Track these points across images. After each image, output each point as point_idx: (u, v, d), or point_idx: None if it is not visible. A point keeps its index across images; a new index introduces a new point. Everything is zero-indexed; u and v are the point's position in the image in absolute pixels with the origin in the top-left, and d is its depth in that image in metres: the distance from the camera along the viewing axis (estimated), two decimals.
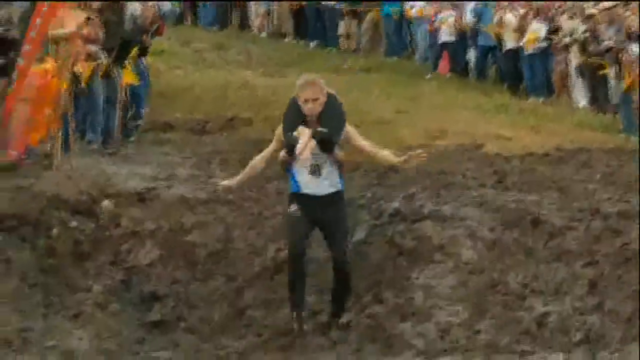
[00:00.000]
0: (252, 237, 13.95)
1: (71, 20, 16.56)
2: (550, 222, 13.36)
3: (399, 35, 31.78)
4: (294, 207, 11.85)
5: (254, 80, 24.06)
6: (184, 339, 12.49)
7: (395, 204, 13.79)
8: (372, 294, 12.61)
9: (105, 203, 14.59)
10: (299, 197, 11.86)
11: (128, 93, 18.71)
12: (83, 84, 17.28)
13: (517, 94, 25.09)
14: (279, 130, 11.93)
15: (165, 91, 21.23)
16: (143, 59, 20.00)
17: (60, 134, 16.13)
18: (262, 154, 12.21)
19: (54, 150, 16.05)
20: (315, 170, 11.71)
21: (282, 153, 11.85)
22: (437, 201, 14.23)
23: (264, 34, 36.50)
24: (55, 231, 14.00)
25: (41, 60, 15.77)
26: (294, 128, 11.69)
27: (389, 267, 13.08)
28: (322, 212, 11.77)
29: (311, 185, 11.77)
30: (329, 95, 11.77)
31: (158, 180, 15.81)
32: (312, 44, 34.36)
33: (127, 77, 18.58)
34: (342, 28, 33.30)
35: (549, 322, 11.71)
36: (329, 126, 11.58)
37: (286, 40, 35.27)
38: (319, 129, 11.57)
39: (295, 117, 11.76)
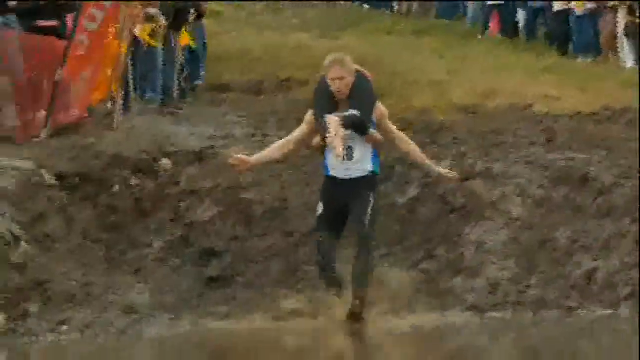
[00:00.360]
0: (307, 195, 13.90)
1: None
2: (598, 179, 13.35)
3: None
4: (320, 209, 11.53)
5: (309, 42, 23.95)
6: (241, 294, 12.66)
7: (447, 163, 13.72)
8: (424, 250, 12.70)
9: (164, 162, 14.66)
10: (329, 179, 11.54)
11: (185, 54, 18.85)
12: (143, 46, 17.35)
13: (566, 55, 24.94)
14: (309, 114, 11.60)
15: (221, 53, 21.17)
16: (200, 21, 20.02)
17: (120, 94, 16.20)
18: (289, 137, 11.81)
19: (115, 110, 16.09)
20: (348, 153, 11.21)
21: (317, 140, 11.60)
22: (487, 160, 14.21)
23: None
24: (116, 189, 14.10)
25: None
26: (325, 110, 11.21)
27: (441, 225, 13.16)
28: (348, 195, 11.32)
29: (341, 169, 11.34)
30: (358, 75, 11.38)
31: (215, 139, 15.75)
32: (365, 7, 34.25)
33: (184, 39, 18.64)
34: None
35: (597, 277, 11.75)
36: (359, 107, 11.20)
37: (341, 3, 35.13)
38: (347, 113, 11.14)
39: (324, 98, 11.38)
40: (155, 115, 17.22)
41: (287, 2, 32.70)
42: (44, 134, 15.04)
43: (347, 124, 11.00)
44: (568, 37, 25.78)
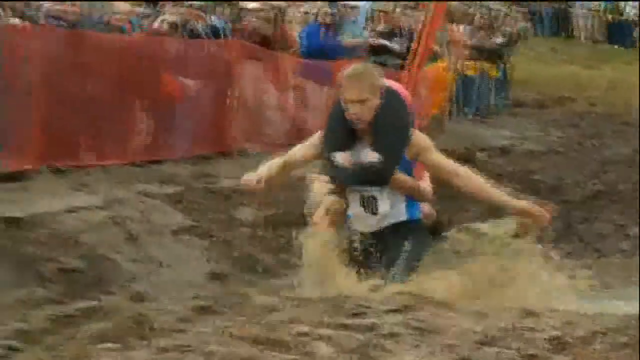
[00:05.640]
0: (574, 173, 14.23)
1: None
2: None
3: None
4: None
5: (576, 71, 24.12)
6: None
7: None
8: None
9: (480, 154, 15.12)
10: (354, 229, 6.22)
11: (493, 81, 19.00)
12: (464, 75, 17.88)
13: None
14: (316, 137, 6.24)
15: (516, 79, 21.42)
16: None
17: (448, 108, 16.92)
18: (287, 158, 6.34)
19: (444, 119, 16.68)
20: (369, 204, 6.09)
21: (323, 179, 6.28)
22: None
23: (583, 40, 36.37)
24: None
25: (435, 59, 16.09)
26: (337, 145, 6.01)
27: None
28: (380, 245, 6.08)
29: (363, 221, 6.16)
30: (388, 92, 6.05)
31: (513, 139, 16.27)
32: (616, 46, 34.19)
33: (492, 71, 18.74)
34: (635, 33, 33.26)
35: None
36: (383, 144, 5.93)
37: (599, 44, 35.08)
38: (359, 162, 5.95)
39: (338, 127, 6.06)
40: (472, 123, 17.65)
41: (558, 43, 32.87)
42: None
43: (351, 180, 6.03)
44: None
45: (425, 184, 6.28)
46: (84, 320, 4.40)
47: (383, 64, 15.11)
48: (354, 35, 14.65)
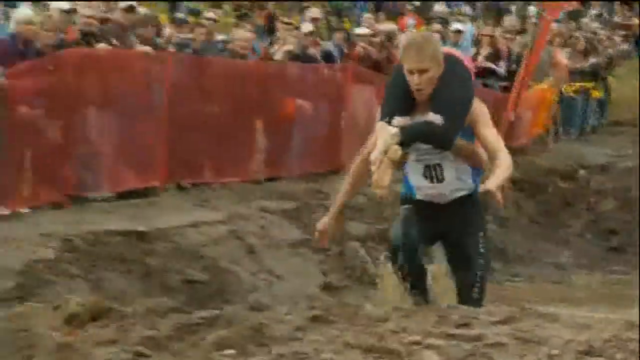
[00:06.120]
0: None
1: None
2: None
3: None
4: (398, 241, 5.62)
5: None
6: (633, 259, 12.62)
7: None
8: None
9: (581, 171, 14.96)
10: (413, 203, 5.70)
11: (595, 102, 18.66)
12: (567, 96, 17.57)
13: None
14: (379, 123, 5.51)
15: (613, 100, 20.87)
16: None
17: (551, 128, 16.64)
18: (361, 156, 5.69)
19: (548, 139, 16.48)
20: (432, 174, 5.57)
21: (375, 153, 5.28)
22: None
23: None
24: (550, 189, 14.51)
25: (539, 81, 15.87)
26: (397, 110, 5.39)
27: None
28: (444, 225, 5.67)
29: (429, 191, 5.65)
30: (450, 60, 5.49)
31: (613, 157, 15.93)
32: None
33: (595, 92, 18.49)
34: None
35: None
36: (443, 108, 5.31)
37: None
38: (419, 121, 5.36)
39: (399, 94, 5.47)
40: (574, 142, 17.36)
41: None
42: None
43: (411, 136, 5.32)
44: None
45: (480, 150, 5.62)
46: (207, 328, 4.46)
47: (489, 86, 15.15)
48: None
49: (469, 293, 5.55)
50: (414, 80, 5.33)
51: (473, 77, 5.75)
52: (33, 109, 9.14)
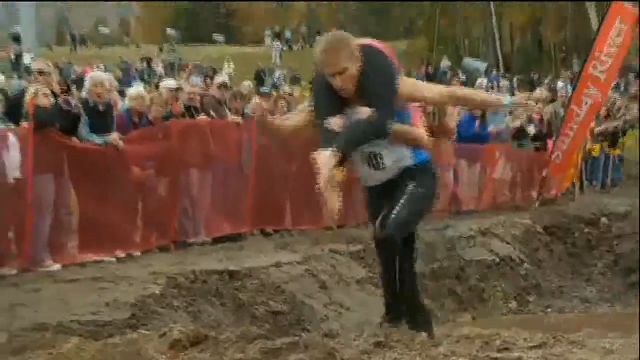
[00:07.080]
0: None
1: None
2: None
3: None
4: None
5: None
6: None
7: None
8: None
9: (603, 219, 14.50)
10: (365, 188, 5.19)
11: (616, 158, 18.29)
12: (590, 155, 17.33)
13: None
14: (306, 104, 5.23)
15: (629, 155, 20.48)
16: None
17: (577, 182, 16.33)
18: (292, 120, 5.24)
19: (574, 190, 16.29)
20: (374, 162, 4.95)
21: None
22: None
23: None
24: (576, 234, 14.13)
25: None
26: (328, 111, 4.75)
27: None
28: (389, 191, 4.95)
29: (372, 177, 5.05)
30: (365, 51, 4.72)
31: (631, 206, 14.95)
32: None
33: (614, 151, 18.07)
34: None
35: None
36: (372, 100, 4.65)
37: None
38: (350, 120, 4.67)
39: (326, 95, 4.79)
40: (597, 193, 17.11)
41: None
42: (536, 204, 14.95)
43: (348, 146, 4.62)
44: None
45: (421, 130, 5.09)
46: (287, 352, 4.43)
47: (521, 145, 15.02)
48: (497, 124, 14.47)
49: (396, 216, 4.81)
50: (336, 82, 4.68)
51: (395, 61, 4.90)
52: (145, 169, 9.34)
